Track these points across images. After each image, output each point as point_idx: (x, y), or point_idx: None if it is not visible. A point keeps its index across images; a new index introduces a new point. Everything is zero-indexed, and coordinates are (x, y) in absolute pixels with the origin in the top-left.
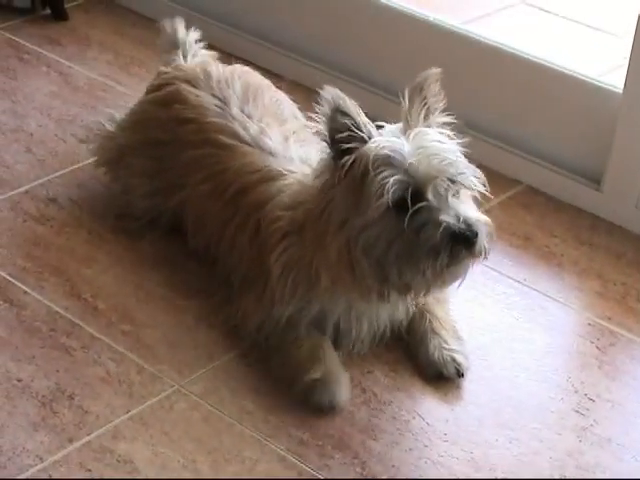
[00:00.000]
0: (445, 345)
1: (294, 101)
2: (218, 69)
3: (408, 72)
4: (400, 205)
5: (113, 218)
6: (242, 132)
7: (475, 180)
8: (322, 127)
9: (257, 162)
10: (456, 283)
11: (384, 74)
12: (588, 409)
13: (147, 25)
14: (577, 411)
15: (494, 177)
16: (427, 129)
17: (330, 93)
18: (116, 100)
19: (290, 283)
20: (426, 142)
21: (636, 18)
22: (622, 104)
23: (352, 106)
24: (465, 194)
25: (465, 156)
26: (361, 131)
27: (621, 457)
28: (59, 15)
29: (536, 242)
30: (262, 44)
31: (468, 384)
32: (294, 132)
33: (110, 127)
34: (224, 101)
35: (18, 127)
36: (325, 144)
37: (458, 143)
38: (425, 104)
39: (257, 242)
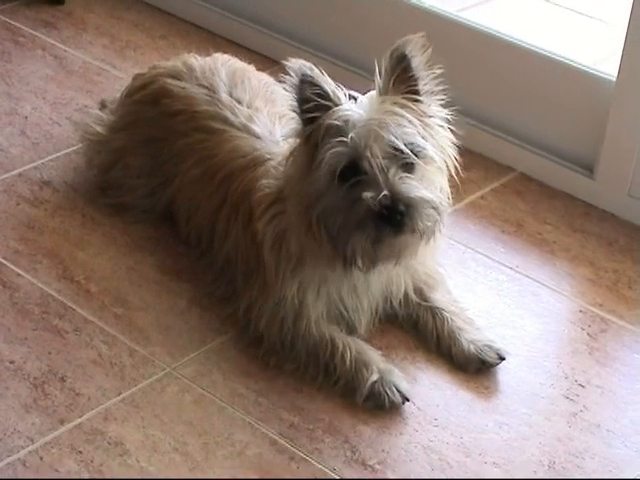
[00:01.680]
0: (474, 337)
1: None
2: (199, 61)
3: None
4: (341, 176)
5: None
6: (232, 117)
7: (433, 153)
8: (290, 97)
9: (245, 147)
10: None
11: (380, 60)
12: (578, 395)
13: (143, 9)
14: (567, 397)
15: (488, 164)
16: (395, 98)
17: (296, 64)
18: (111, 84)
19: (283, 253)
20: (379, 114)
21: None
22: (615, 92)
23: (318, 76)
24: (425, 170)
25: (457, 140)
26: (329, 100)
27: (610, 443)
28: None
29: (528, 229)
30: (255, 28)
31: (458, 370)
32: (283, 115)
33: (100, 129)
34: (212, 89)
35: (12, 110)
36: (294, 113)
37: (442, 114)
38: (405, 70)
39: (250, 229)
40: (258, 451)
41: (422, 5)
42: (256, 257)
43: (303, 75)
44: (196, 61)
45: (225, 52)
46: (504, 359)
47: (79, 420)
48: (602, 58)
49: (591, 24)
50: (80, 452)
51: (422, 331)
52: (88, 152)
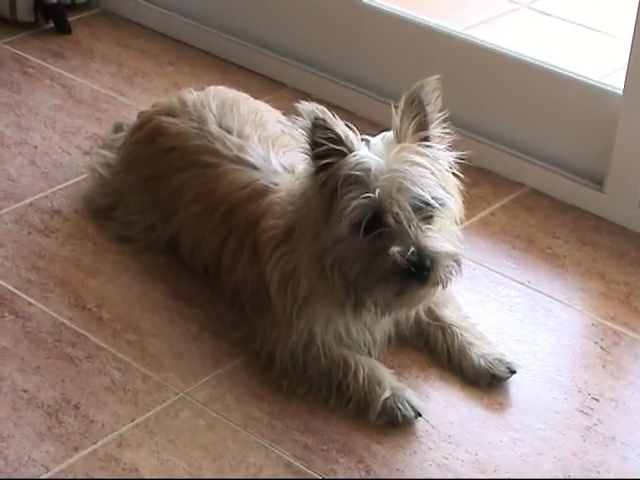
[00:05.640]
0: (485, 351)
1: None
2: (193, 94)
3: (410, 78)
4: (364, 227)
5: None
6: (223, 149)
7: (451, 205)
8: (302, 140)
9: (242, 179)
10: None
11: (386, 80)
12: (592, 409)
13: (150, 37)
14: (581, 411)
15: (497, 180)
16: (412, 146)
17: (308, 106)
18: (120, 111)
19: (289, 294)
20: (400, 163)
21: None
22: (622, 105)
23: (331, 119)
24: (442, 219)
25: (465, 162)
26: (342, 145)
27: (625, 456)
28: (62, 29)
29: (539, 244)
30: (262, 52)
31: (472, 386)
32: (276, 138)
33: (104, 172)
34: (201, 122)
35: (22, 140)
36: (307, 157)
37: (450, 160)
38: (420, 115)
39: (257, 262)
40: (273, 473)
41: (428, 24)
42: (265, 291)
43: (315, 119)
44: (190, 95)
45: (233, 77)
46: (515, 373)
47: (93, 447)
48: (610, 72)
49: (598, 38)
50: (95, 479)
51: (433, 348)
52: (92, 195)
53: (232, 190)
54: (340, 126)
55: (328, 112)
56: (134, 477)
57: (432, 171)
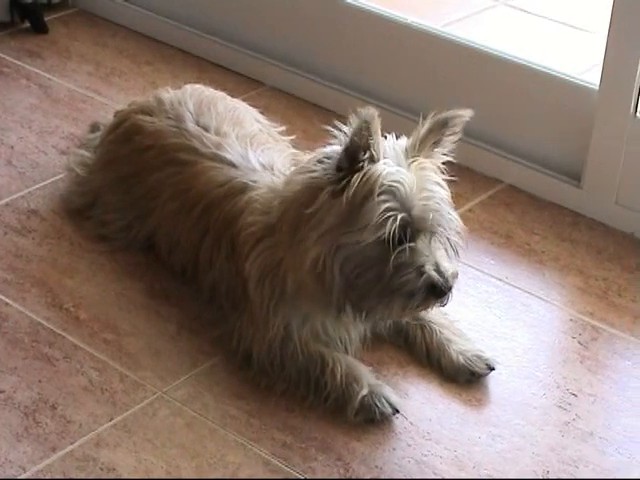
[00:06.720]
0: (463, 348)
1: (271, 107)
2: (169, 93)
3: (388, 75)
4: (392, 239)
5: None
6: (200, 147)
7: (455, 232)
8: (346, 136)
9: (220, 176)
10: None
11: (364, 78)
12: (570, 404)
13: (127, 36)
14: (559, 406)
15: (475, 177)
16: (428, 164)
17: (368, 112)
18: (97, 111)
19: (268, 289)
20: (429, 184)
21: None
22: (598, 101)
23: (378, 129)
24: (446, 243)
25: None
26: (374, 150)
27: (603, 450)
28: (39, 28)
29: (517, 240)
30: (239, 50)
31: (450, 383)
32: (253, 136)
33: (81, 172)
34: (178, 120)
35: None
36: (338, 152)
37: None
38: (440, 138)
39: (235, 259)
40: (252, 471)
41: (406, 22)
42: (242, 288)
43: (369, 122)
44: (167, 94)
45: (211, 75)
46: (493, 369)
47: (71, 447)
48: (587, 68)
49: (575, 35)
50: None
51: (412, 345)
52: (69, 194)
53: (210, 188)
54: (379, 133)
55: (377, 120)
56: (112, 477)
57: (447, 194)
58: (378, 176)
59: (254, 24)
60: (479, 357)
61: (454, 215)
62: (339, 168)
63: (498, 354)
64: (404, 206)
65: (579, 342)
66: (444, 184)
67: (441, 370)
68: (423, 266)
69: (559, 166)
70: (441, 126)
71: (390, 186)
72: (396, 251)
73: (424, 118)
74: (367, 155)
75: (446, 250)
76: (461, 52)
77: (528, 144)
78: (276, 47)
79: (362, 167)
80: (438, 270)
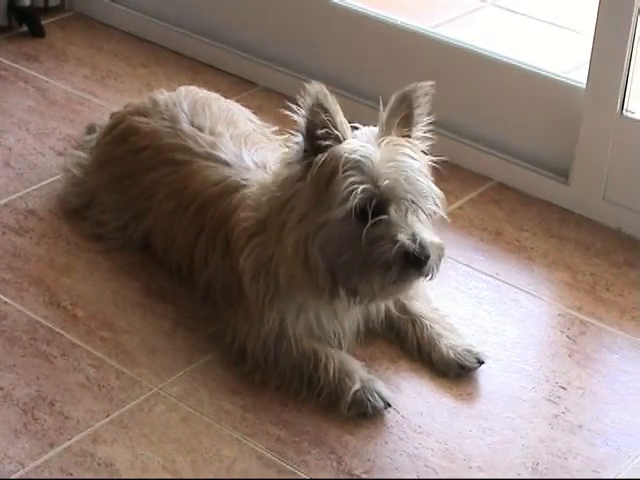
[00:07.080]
0: (454, 342)
1: (264, 107)
2: (164, 95)
3: (378, 75)
4: (361, 213)
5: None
6: (195, 147)
7: (435, 204)
8: (301, 119)
9: (214, 175)
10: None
11: (355, 78)
12: (559, 397)
13: (123, 39)
14: (549, 399)
15: (465, 174)
16: (400, 140)
17: (315, 88)
18: (93, 113)
19: (262, 284)
20: (398, 155)
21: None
22: (585, 100)
23: (333, 104)
24: (423, 214)
25: (434, 158)
26: (337, 130)
27: (592, 442)
28: (36, 32)
29: (507, 237)
30: (232, 51)
31: (441, 377)
32: (247, 136)
33: (78, 172)
34: (173, 121)
35: None
36: (300, 136)
37: (428, 160)
38: (407, 115)
39: (229, 256)
40: (246, 466)
41: (396, 22)
42: (237, 285)
43: (318, 100)
44: (162, 96)
45: (204, 77)
46: (483, 363)
47: (69, 443)
48: (574, 67)
49: (562, 34)
50: (71, 474)
51: (403, 340)
52: (66, 195)
53: (205, 187)
54: (338, 112)
55: (330, 96)
56: (109, 471)
57: (421, 169)
58: (343, 153)
59: (247, 26)
60: (469, 351)
61: (428, 183)
62: (305, 151)
63: (488, 348)
64: (371, 179)
65: (568, 336)
66: (418, 156)
67: (432, 364)
68: (396, 235)
69: (547, 163)
70: (400, 102)
71: (356, 161)
72: (368, 224)
73: (383, 103)
74: (330, 134)
75: (423, 221)
76: (450, 52)
77: (517, 142)
78: (268, 48)
79: (326, 147)
80: (413, 239)
